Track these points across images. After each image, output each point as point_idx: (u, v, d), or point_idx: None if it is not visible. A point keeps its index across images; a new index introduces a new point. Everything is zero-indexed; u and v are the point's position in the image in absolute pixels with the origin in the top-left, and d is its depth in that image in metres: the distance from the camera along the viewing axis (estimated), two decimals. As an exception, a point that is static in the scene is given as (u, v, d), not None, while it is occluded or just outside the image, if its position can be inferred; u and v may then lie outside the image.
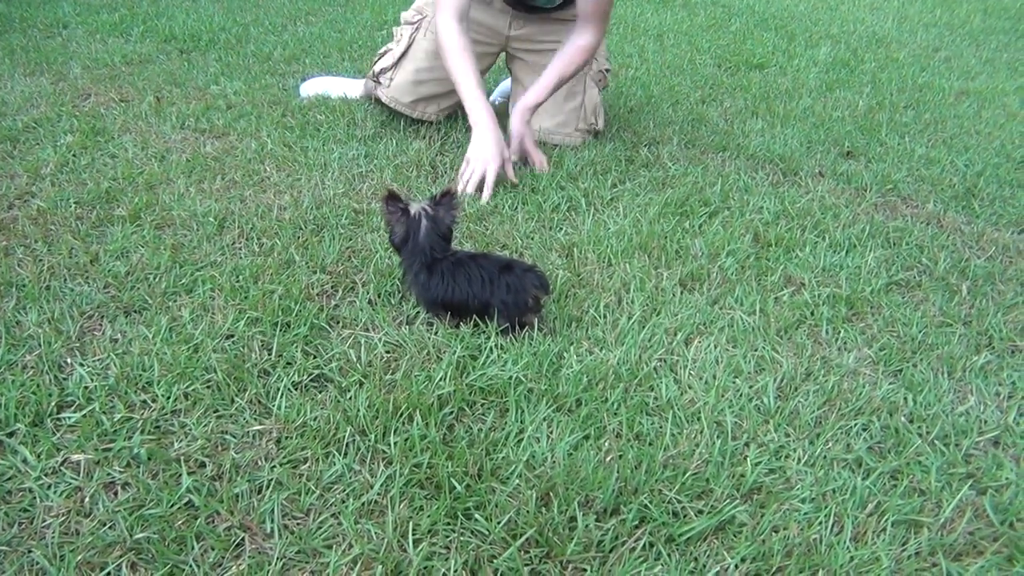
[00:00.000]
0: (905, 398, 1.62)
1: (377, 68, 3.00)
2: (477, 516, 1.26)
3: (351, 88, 3.34)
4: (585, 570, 1.19)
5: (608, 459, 1.40)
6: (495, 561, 1.19)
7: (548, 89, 2.72)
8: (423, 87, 2.94)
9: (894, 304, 1.97)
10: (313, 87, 3.37)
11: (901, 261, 2.20)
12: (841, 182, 2.76)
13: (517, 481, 1.34)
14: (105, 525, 1.22)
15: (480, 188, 2.45)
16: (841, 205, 2.54)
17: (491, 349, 1.67)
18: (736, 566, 1.21)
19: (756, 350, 1.76)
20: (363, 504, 1.29)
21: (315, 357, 1.64)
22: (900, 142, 3.21)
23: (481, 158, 2.49)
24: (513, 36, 2.95)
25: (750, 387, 1.63)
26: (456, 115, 3.10)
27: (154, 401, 1.48)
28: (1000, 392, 1.68)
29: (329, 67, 3.87)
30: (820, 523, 1.29)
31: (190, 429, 1.42)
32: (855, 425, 1.54)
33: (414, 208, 1.77)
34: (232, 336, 1.68)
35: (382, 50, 3.05)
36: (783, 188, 2.67)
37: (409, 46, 2.92)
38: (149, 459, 1.34)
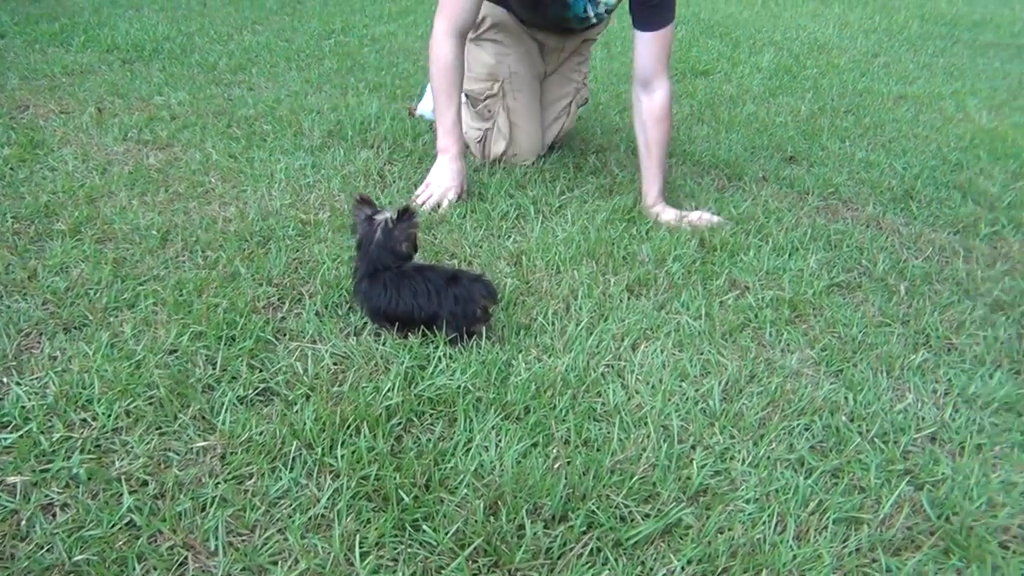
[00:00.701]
0: (846, 397, 1.66)
1: (496, 152, 2.85)
2: (425, 527, 1.25)
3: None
4: (532, 577, 1.20)
5: (556, 466, 1.41)
6: (443, 572, 1.19)
7: (661, 169, 2.52)
8: (540, 143, 2.91)
9: (835, 305, 2.01)
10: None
11: (842, 263, 2.25)
12: (784, 186, 2.81)
13: (465, 491, 1.33)
14: (42, 548, 1.19)
15: (434, 210, 2.43)
16: (784, 209, 2.59)
17: (439, 359, 1.67)
18: (682, 568, 1.23)
19: (702, 354, 1.78)
20: (310, 519, 1.27)
21: (261, 371, 1.62)
22: (841, 146, 3.28)
23: (441, 184, 2.47)
24: (547, 71, 2.93)
25: (696, 390, 1.65)
26: (403, 121, 3.10)
27: (94, 420, 1.45)
28: (937, 389, 1.72)
29: (277, 77, 3.84)
30: (764, 523, 1.32)
31: (132, 447, 1.39)
32: (798, 425, 1.56)
33: (379, 217, 1.77)
34: (175, 351, 1.65)
35: (476, 136, 2.88)
36: (728, 193, 2.71)
37: (509, 116, 2.81)
38: (89, 479, 1.31)
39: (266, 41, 4.55)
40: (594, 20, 2.68)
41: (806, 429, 1.57)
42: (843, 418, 1.59)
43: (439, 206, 2.44)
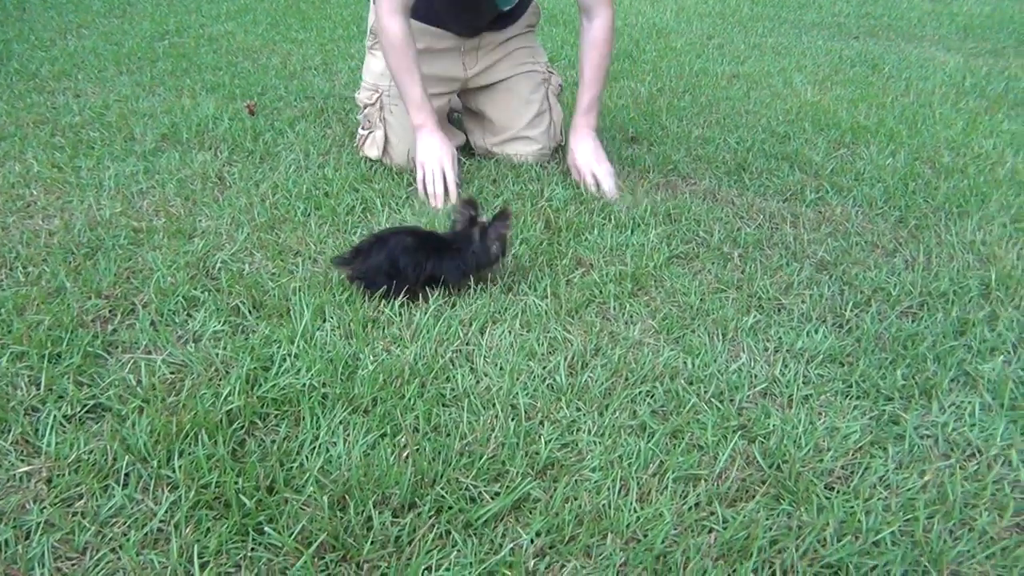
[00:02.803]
0: (685, 362, 1.73)
1: (370, 155, 2.78)
2: (268, 529, 1.22)
3: None
4: (380, 567, 1.19)
5: (405, 455, 1.40)
6: (288, 572, 1.17)
7: (590, 90, 2.67)
8: None
9: (675, 276, 2.09)
10: None
11: (681, 235, 2.33)
12: (626, 165, 2.89)
13: (311, 488, 1.31)
14: None
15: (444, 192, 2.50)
16: (626, 187, 2.66)
17: (283, 358, 1.64)
18: (531, 540, 1.25)
19: (548, 332, 1.81)
20: (146, 534, 1.22)
21: (90, 386, 1.54)
22: (679, 125, 3.40)
23: (434, 158, 2.50)
24: (471, 75, 2.82)
25: (543, 368, 1.68)
26: (243, 120, 3.01)
27: (-100, 455, 1.34)
28: (768, 347, 1.81)
29: (105, 82, 3.64)
30: (608, 489, 1.35)
31: (-56, 480, 1.30)
32: (640, 392, 1.62)
33: (482, 219, 1.95)
34: (-7, 374, 1.55)
35: (358, 137, 2.83)
36: (572, 175, 2.76)
37: (385, 129, 2.73)
38: None
39: (93, 45, 4.31)
40: None
41: (648, 395, 1.62)
42: (682, 382, 1.66)
43: (447, 192, 2.49)
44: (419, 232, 1.96)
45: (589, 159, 2.64)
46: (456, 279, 1.94)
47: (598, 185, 2.60)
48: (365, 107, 2.79)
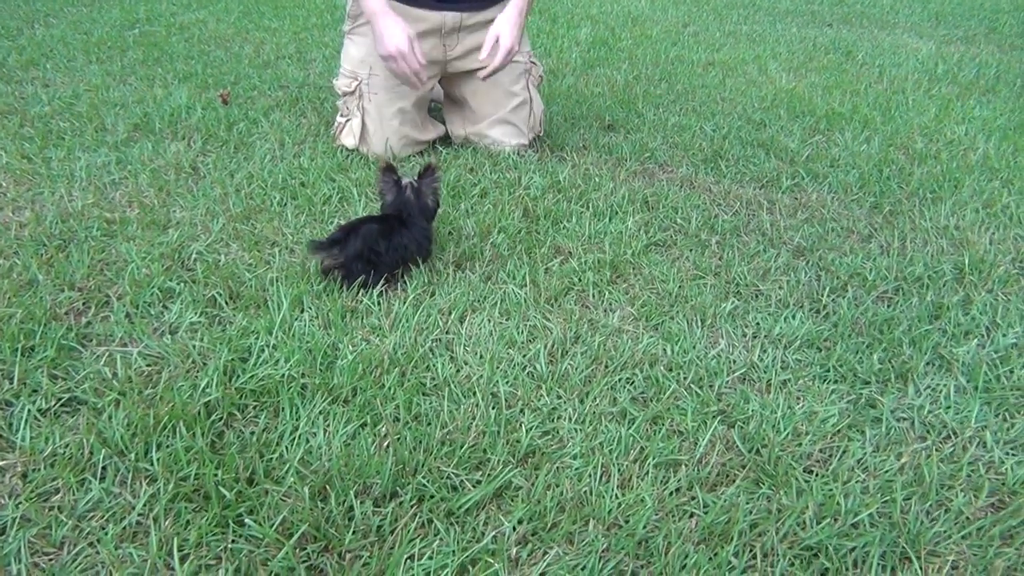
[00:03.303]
0: (664, 349, 1.73)
1: (346, 144, 2.77)
2: (248, 521, 1.22)
3: None
4: (362, 557, 1.19)
5: (386, 444, 1.40)
6: (270, 563, 1.16)
7: None
8: (398, 144, 2.75)
9: (653, 263, 2.10)
10: None
11: (658, 223, 2.34)
12: (603, 154, 2.89)
13: (292, 479, 1.30)
14: None
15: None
16: (604, 175, 2.66)
17: (261, 349, 1.62)
18: (514, 528, 1.25)
19: (528, 320, 1.81)
20: (124, 528, 1.21)
21: (64, 380, 1.52)
22: (655, 113, 3.41)
23: (396, 45, 2.47)
24: (451, 58, 2.79)
25: (523, 356, 1.68)
26: (216, 110, 2.98)
27: None
28: (746, 333, 1.83)
29: (74, 71, 3.59)
30: (589, 475, 1.36)
31: (-84, 477, 1.27)
32: (620, 379, 1.62)
33: (405, 181, 2.00)
34: (-36, 369, 1.52)
35: (335, 126, 2.82)
36: (550, 164, 2.76)
37: (363, 118, 2.72)
38: None
39: (61, 34, 4.24)
40: None
41: (628, 382, 1.63)
42: (662, 368, 1.66)
43: (419, 77, 2.55)
44: (374, 218, 1.96)
45: (504, 27, 2.60)
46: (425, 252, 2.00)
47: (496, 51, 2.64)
48: (343, 95, 2.77)
